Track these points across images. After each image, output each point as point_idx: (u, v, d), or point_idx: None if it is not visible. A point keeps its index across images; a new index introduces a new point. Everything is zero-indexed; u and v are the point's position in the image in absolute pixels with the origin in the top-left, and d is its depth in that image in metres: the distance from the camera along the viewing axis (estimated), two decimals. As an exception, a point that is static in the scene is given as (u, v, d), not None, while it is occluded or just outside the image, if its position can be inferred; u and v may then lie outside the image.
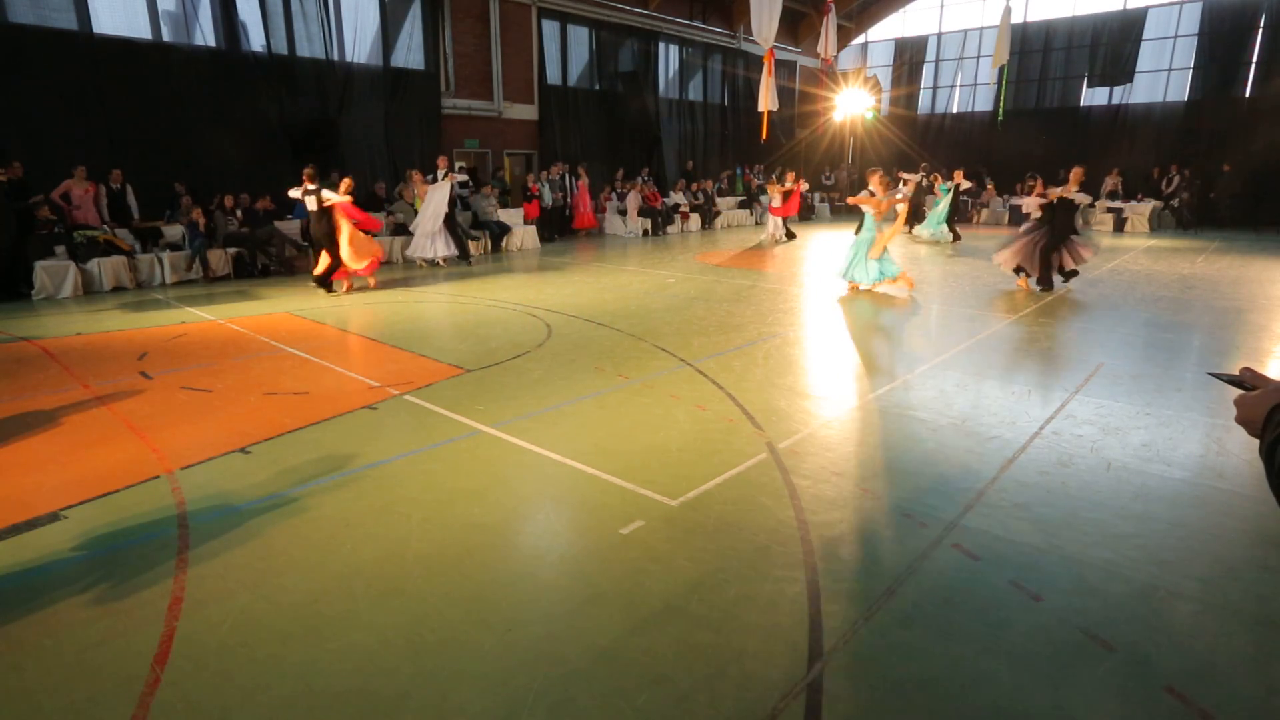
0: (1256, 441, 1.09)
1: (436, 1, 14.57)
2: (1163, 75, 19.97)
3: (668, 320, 7.79)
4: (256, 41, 12.25)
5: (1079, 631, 2.53)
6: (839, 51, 23.67)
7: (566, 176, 16.36)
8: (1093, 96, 21.00)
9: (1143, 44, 19.84)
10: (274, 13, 12.25)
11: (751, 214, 20.45)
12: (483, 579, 2.88)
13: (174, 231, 10.61)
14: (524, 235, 14.52)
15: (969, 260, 12.70)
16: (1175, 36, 19.59)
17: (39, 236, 9.16)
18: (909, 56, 24.29)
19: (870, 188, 9.18)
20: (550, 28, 16.98)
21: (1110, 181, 18.82)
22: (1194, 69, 19.42)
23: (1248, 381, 1.15)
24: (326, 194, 9.18)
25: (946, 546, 3.10)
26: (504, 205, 14.49)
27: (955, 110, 23.81)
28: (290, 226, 11.67)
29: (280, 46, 12.41)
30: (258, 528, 3.28)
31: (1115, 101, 20.63)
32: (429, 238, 11.80)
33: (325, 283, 9.42)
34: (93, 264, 9.47)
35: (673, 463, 3.98)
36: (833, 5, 17.98)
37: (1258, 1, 18.23)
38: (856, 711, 2.17)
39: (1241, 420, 1.13)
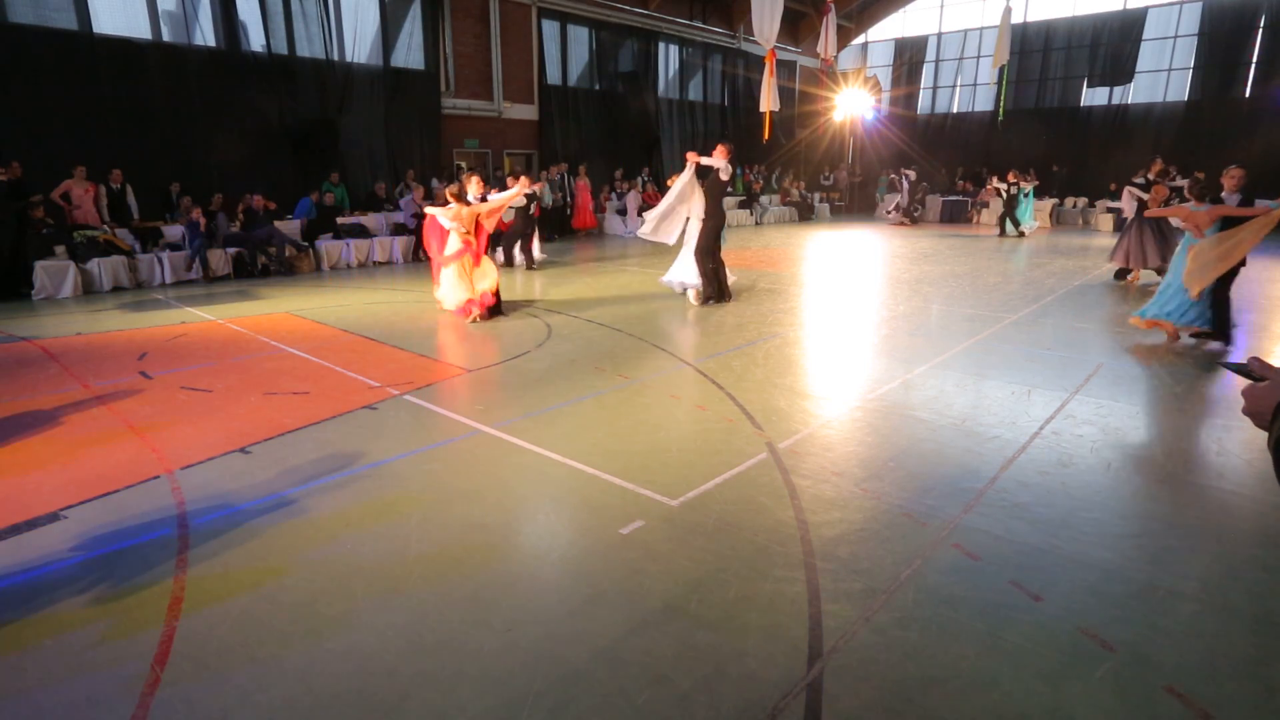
0: (1256, 440, 1.08)
1: (436, 1, 14.57)
2: (1163, 75, 19.98)
3: (668, 320, 7.79)
4: (256, 41, 12.25)
5: (1079, 631, 2.53)
6: (839, 51, 23.67)
7: (566, 176, 16.36)
8: (1093, 96, 21.02)
9: (1143, 44, 19.86)
10: (274, 13, 12.24)
11: (751, 214, 20.45)
12: (483, 579, 2.88)
13: (174, 231, 10.61)
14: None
15: (970, 260, 12.70)
16: (1175, 36, 19.60)
17: (35, 236, 9.14)
18: (909, 56, 24.30)
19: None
20: (550, 28, 16.98)
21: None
22: (1194, 69, 19.43)
23: (1256, 371, 1.13)
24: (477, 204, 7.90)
25: (946, 546, 3.09)
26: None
27: (955, 110, 23.83)
28: (290, 227, 11.67)
29: (280, 46, 12.40)
30: (258, 528, 3.28)
31: (1115, 101, 20.64)
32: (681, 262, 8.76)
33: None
34: (93, 264, 9.47)
35: (673, 463, 3.98)
36: (833, 5, 17.99)
37: (1258, 1, 18.24)
38: (856, 711, 2.17)
39: (1248, 412, 1.11)
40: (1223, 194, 6.58)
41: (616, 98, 18.55)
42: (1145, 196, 9.76)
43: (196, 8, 11.50)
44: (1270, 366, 1.14)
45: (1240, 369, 1.19)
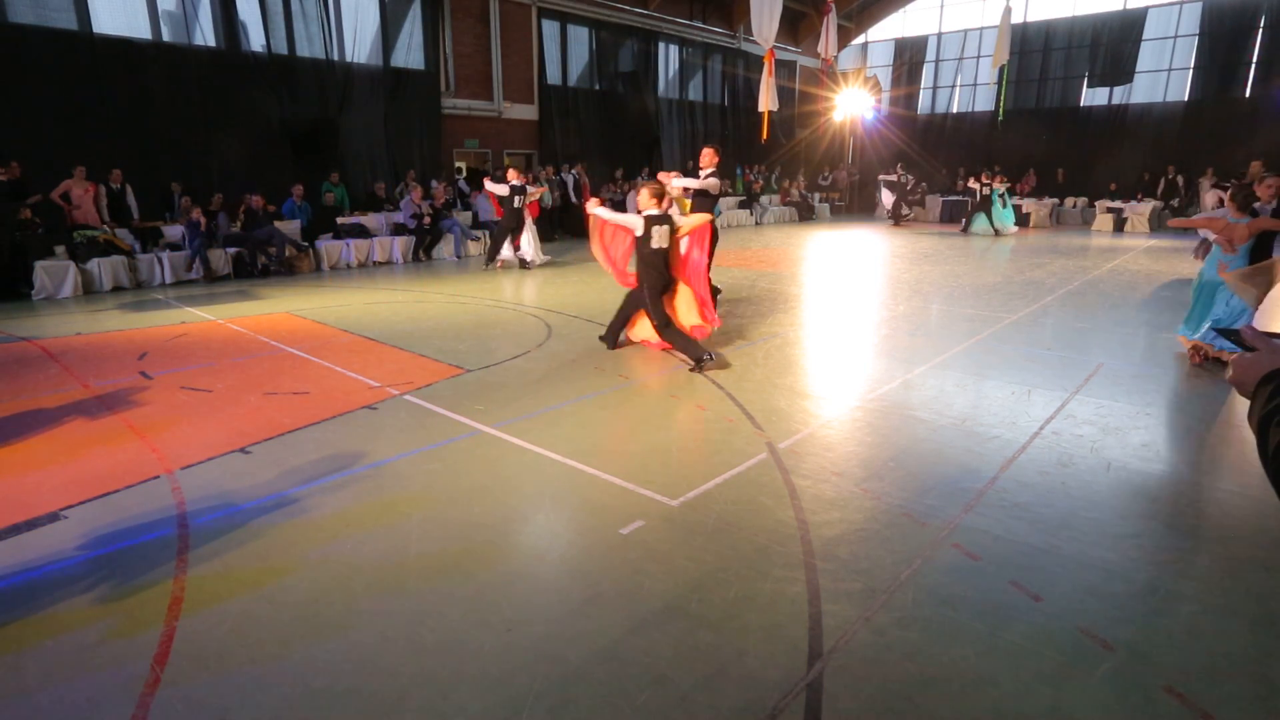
0: (1254, 441, 1.08)
1: (436, 1, 14.57)
2: (1163, 75, 19.98)
3: (668, 320, 7.77)
4: (256, 41, 12.26)
5: (1079, 631, 2.53)
6: (839, 51, 23.65)
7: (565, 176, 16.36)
8: (1093, 96, 21.01)
9: (1143, 44, 19.86)
10: (274, 13, 12.25)
11: (751, 214, 20.45)
12: (483, 579, 2.88)
13: (174, 231, 10.62)
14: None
15: (970, 260, 12.70)
16: (1175, 36, 19.59)
17: (32, 237, 9.12)
18: (909, 56, 24.29)
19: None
20: (550, 28, 16.99)
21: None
22: (1194, 69, 19.44)
23: (1247, 340, 1.13)
24: (681, 218, 6.20)
25: (946, 546, 3.09)
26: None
27: (955, 110, 23.82)
28: (290, 227, 11.67)
29: (280, 46, 12.41)
30: (258, 528, 3.28)
31: (1115, 101, 20.63)
32: None
33: (614, 339, 6.42)
34: (93, 264, 9.47)
35: (673, 463, 3.98)
36: (833, 5, 17.99)
37: (1258, 1, 18.24)
38: (856, 711, 2.17)
39: (1234, 380, 1.12)
40: (1255, 204, 5.91)
41: (616, 98, 18.55)
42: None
43: (196, 8, 11.50)
44: (1262, 336, 1.13)
45: (1232, 335, 1.19)
